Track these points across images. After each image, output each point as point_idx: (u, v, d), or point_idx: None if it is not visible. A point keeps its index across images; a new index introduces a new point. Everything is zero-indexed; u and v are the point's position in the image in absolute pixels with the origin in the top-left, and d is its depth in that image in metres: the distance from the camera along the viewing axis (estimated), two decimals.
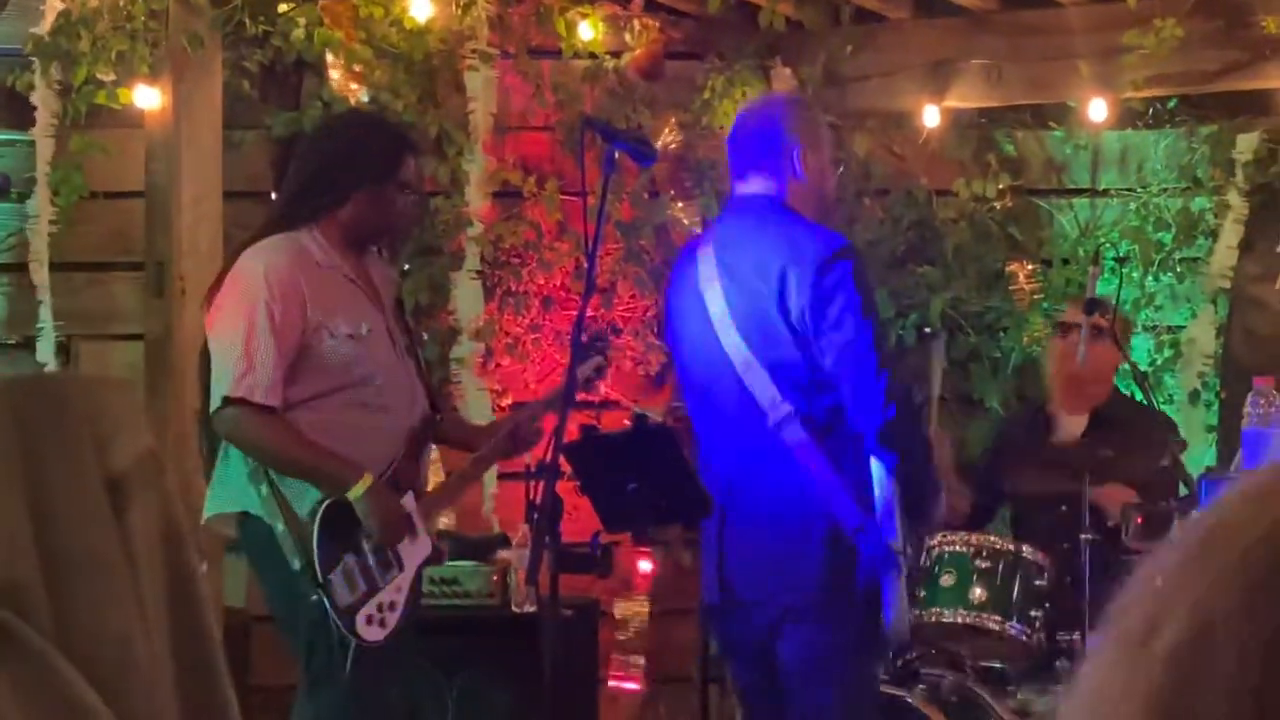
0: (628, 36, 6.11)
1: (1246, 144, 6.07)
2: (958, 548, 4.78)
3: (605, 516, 4.01)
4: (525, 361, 6.05)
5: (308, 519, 4.07)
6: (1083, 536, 4.68)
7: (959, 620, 4.72)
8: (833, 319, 3.99)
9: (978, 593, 4.71)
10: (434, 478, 5.05)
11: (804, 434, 4.03)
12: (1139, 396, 5.54)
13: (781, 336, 4.04)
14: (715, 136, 5.87)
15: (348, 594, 4.08)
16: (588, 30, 5.95)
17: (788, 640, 4.09)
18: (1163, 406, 5.65)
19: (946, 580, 4.74)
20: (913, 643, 4.80)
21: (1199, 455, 5.81)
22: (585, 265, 4.09)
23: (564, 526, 3.87)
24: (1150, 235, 6.18)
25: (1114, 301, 5.32)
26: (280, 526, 4.08)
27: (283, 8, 5.62)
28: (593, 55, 6.03)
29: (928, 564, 4.76)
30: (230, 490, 4.17)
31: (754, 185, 4.19)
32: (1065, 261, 6.26)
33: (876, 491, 4.06)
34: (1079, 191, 6.37)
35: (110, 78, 5.48)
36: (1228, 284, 6.12)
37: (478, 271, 5.97)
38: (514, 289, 6.04)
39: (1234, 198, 6.08)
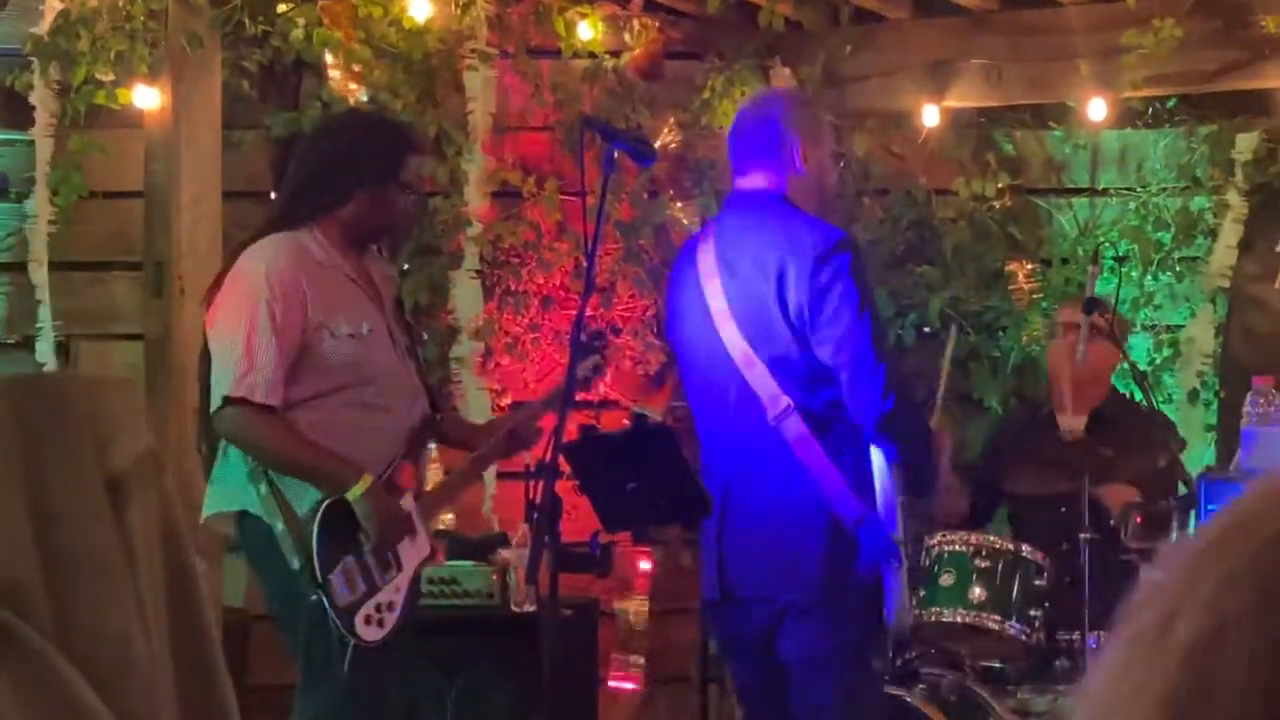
0: (627, 36, 6.11)
1: (1246, 143, 6.07)
2: (957, 547, 4.78)
3: (604, 516, 4.01)
4: (525, 361, 6.05)
5: (307, 518, 4.07)
6: (1082, 536, 4.68)
7: (958, 620, 4.72)
8: (830, 311, 3.99)
9: (977, 592, 4.71)
10: (433, 477, 5.05)
11: (804, 428, 4.03)
12: (1138, 396, 5.54)
13: (780, 331, 4.04)
14: (715, 136, 5.87)
15: (347, 594, 4.08)
16: (587, 30, 5.95)
17: (789, 637, 4.09)
18: (1162, 406, 5.65)
19: (946, 580, 4.73)
20: (912, 642, 4.81)
21: (1198, 455, 5.82)
22: (584, 265, 4.09)
23: (563, 526, 3.87)
24: (1149, 235, 6.18)
25: (1112, 301, 5.32)
26: (279, 526, 4.08)
27: (282, 8, 5.62)
28: (592, 55, 6.03)
29: (927, 563, 4.76)
30: (229, 489, 4.17)
31: (754, 180, 4.19)
32: (1064, 261, 6.26)
33: (877, 484, 4.06)
34: (1078, 191, 6.37)
35: (109, 78, 5.48)
36: (1227, 283, 6.12)
37: (477, 271, 5.97)
38: (513, 289, 6.04)
39: (1233, 197, 6.08)
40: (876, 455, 4.06)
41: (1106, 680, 0.86)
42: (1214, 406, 6.08)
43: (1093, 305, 4.97)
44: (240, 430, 4.11)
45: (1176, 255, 6.18)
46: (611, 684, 5.94)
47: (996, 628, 4.70)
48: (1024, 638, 4.71)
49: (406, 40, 5.80)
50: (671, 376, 5.87)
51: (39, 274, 5.75)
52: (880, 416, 3.97)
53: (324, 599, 4.04)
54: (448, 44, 5.88)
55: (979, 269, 6.23)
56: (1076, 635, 4.72)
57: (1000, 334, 6.21)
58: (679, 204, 6.13)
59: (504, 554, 5.46)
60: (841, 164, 5.36)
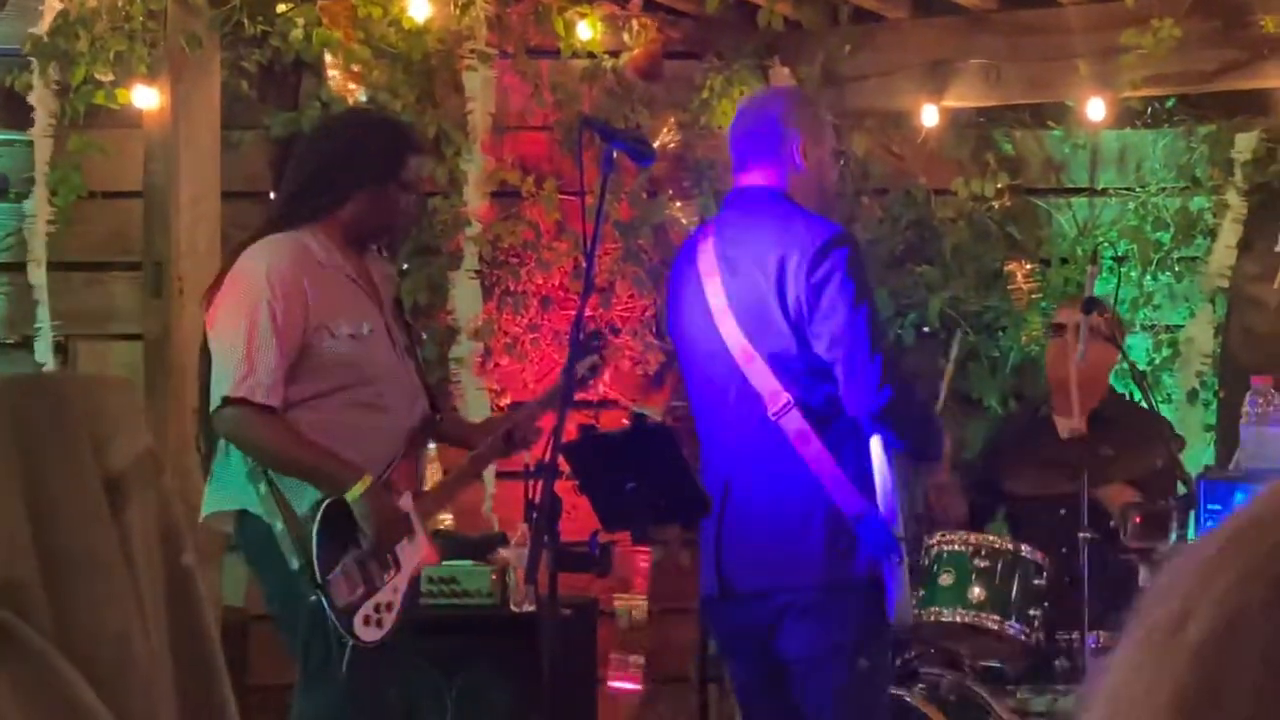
0: (626, 36, 6.11)
1: (1245, 143, 6.07)
2: (956, 547, 4.78)
3: (604, 516, 4.01)
4: (524, 361, 6.05)
5: (307, 518, 4.06)
6: (1081, 536, 4.68)
7: (958, 620, 4.72)
8: (825, 305, 3.99)
9: (976, 592, 4.71)
10: (433, 477, 5.05)
11: (804, 423, 4.03)
12: (1137, 396, 5.54)
13: (780, 326, 4.04)
14: (714, 136, 5.87)
15: (346, 594, 4.08)
16: (586, 30, 5.95)
17: (789, 635, 4.08)
18: (1161, 406, 5.65)
19: (945, 579, 4.74)
20: (912, 642, 4.81)
21: (1197, 454, 5.82)
22: (584, 265, 4.09)
23: (563, 526, 3.87)
24: (1149, 234, 6.18)
25: (1111, 301, 5.32)
26: (279, 525, 4.08)
27: (281, 8, 5.62)
28: (591, 55, 6.03)
29: (926, 563, 4.76)
30: (229, 488, 4.17)
31: (754, 176, 4.20)
32: (1064, 261, 6.26)
33: (877, 480, 4.06)
34: (1077, 191, 6.37)
35: (108, 78, 5.48)
36: (1226, 283, 6.12)
37: (476, 271, 5.97)
38: (512, 289, 6.04)
39: (1232, 197, 6.08)
40: (877, 450, 4.06)
41: (1117, 680, 0.86)
42: (1213, 406, 6.08)
43: (1092, 305, 4.98)
44: (240, 430, 4.11)
45: (1175, 255, 6.18)
46: (611, 684, 5.94)
47: (996, 627, 4.70)
48: (1023, 637, 4.71)
49: (406, 40, 5.80)
50: (671, 376, 5.87)
51: (38, 274, 5.76)
52: (875, 409, 3.97)
53: (323, 599, 4.04)
54: (447, 44, 5.88)
55: (978, 269, 6.23)
56: (1076, 635, 4.72)
57: (999, 334, 6.21)
58: (678, 204, 6.13)
59: (503, 554, 5.47)
60: (841, 163, 5.35)
